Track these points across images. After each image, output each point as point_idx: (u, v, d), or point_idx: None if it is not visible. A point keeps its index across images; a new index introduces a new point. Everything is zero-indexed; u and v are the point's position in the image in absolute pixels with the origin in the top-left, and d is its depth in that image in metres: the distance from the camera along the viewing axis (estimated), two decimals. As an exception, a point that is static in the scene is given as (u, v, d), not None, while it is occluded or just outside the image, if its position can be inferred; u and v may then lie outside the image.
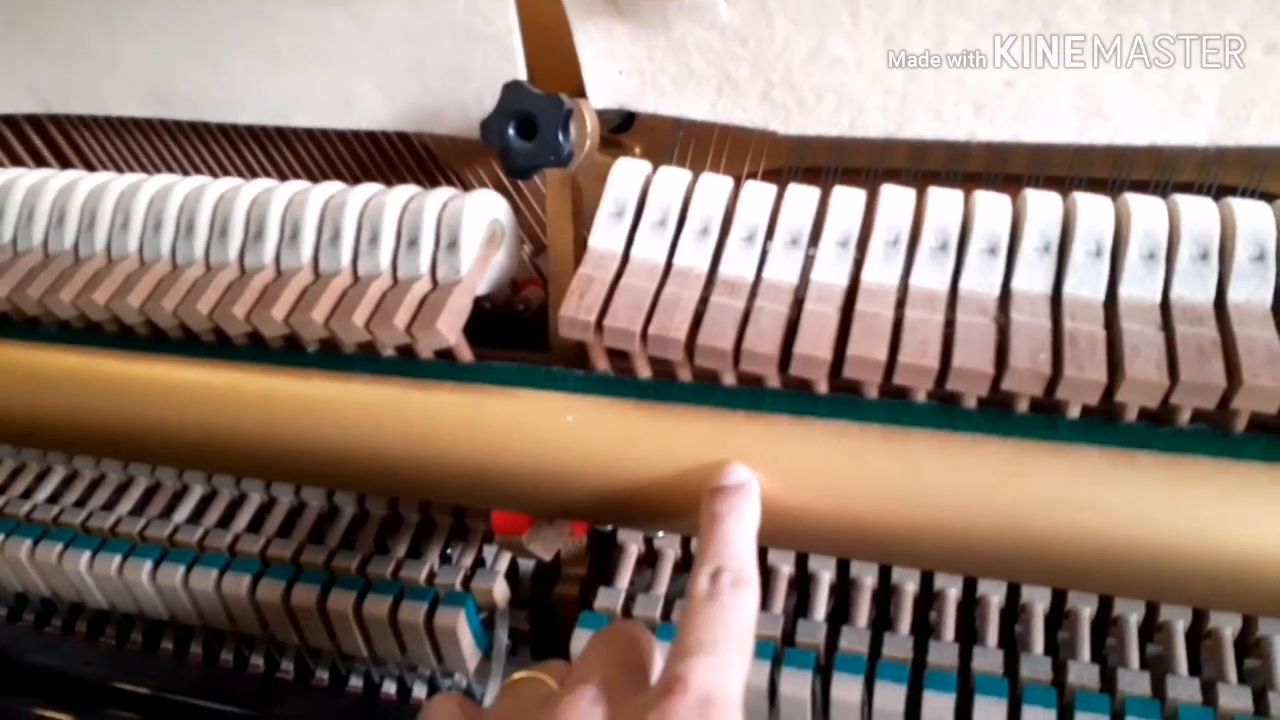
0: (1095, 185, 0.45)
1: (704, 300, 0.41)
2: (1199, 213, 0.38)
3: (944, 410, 0.39)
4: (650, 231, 0.43)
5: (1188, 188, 0.44)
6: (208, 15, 0.51)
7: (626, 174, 0.44)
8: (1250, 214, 0.38)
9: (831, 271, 0.41)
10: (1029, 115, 0.43)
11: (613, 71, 0.47)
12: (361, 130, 0.54)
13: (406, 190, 0.48)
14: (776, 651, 0.46)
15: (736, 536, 0.36)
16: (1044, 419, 0.38)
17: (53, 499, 0.62)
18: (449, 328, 0.43)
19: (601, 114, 0.48)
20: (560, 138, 0.44)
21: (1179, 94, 0.41)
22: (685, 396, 0.42)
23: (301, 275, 0.46)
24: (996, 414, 0.39)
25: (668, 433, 0.41)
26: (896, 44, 0.42)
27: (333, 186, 0.49)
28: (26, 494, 0.62)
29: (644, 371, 0.43)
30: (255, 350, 0.48)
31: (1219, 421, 0.37)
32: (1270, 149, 0.41)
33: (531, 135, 0.44)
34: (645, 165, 0.45)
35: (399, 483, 0.46)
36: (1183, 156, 0.43)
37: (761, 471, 0.39)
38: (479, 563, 0.55)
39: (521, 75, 0.48)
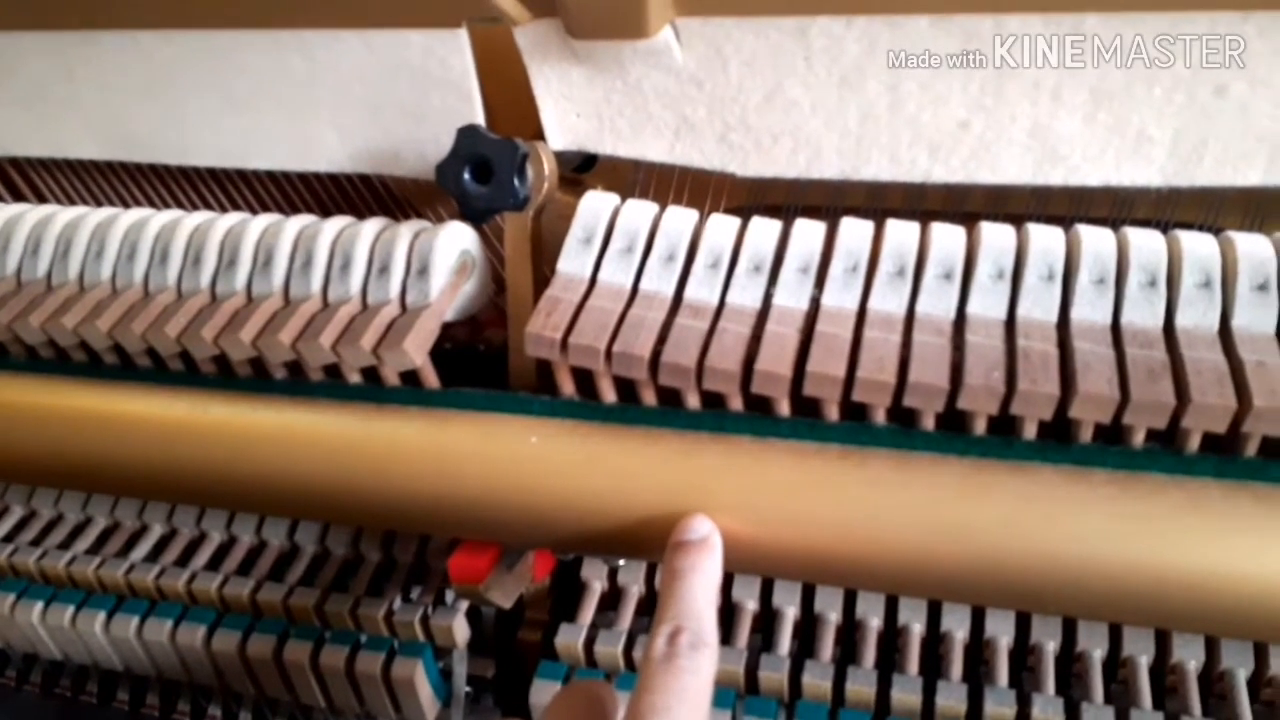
0: (1052, 223, 0.46)
1: (669, 322, 0.42)
2: (1147, 242, 0.40)
3: (903, 431, 0.40)
4: (617, 257, 0.44)
5: (1144, 225, 0.45)
6: (164, 58, 0.52)
7: (596, 204, 0.45)
8: (1196, 243, 0.39)
9: (793, 296, 0.42)
10: (984, 156, 0.44)
11: (570, 114, 0.48)
12: (321, 171, 0.55)
13: (379, 221, 0.48)
14: (739, 694, 0.45)
15: (697, 594, 0.36)
16: (1000, 439, 0.39)
17: (7, 539, 0.60)
18: (416, 348, 0.43)
19: (561, 155, 0.48)
20: (516, 181, 0.44)
21: (1132, 135, 0.42)
22: (650, 420, 0.42)
23: (271, 301, 0.47)
24: (954, 435, 0.39)
25: (631, 454, 0.41)
26: (851, 87, 0.44)
27: (305, 218, 0.49)
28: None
29: (608, 395, 0.43)
30: (221, 378, 0.48)
31: (1171, 440, 0.38)
32: (1223, 189, 0.42)
33: (487, 179, 0.45)
34: (614, 198, 0.46)
35: (362, 509, 0.45)
36: (1139, 195, 0.44)
37: (722, 492, 0.39)
38: (439, 602, 0.54)
39: (479, 118, 0.49)
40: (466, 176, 0.45)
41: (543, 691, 0.48)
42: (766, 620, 0.49)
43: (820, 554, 0.39)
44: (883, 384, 0.37)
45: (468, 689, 0.54)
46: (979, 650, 0.46)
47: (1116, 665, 0.44)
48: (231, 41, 0.50)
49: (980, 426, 0.39)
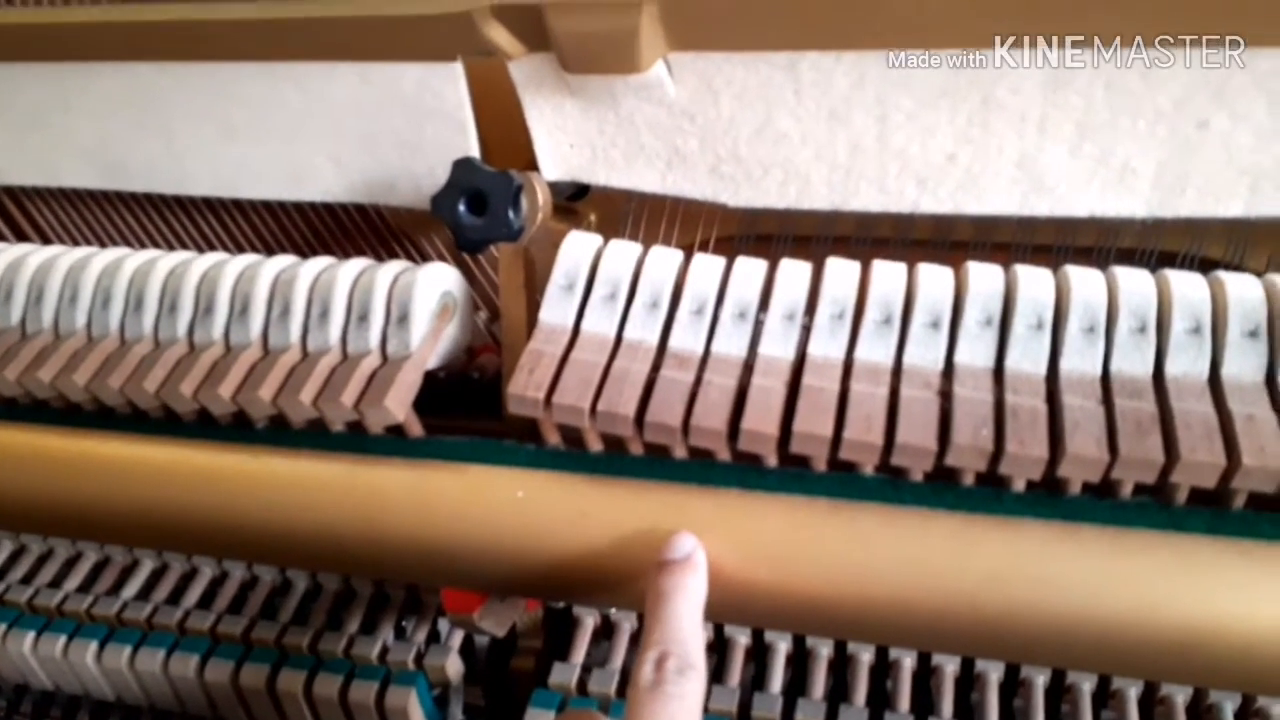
0: (1040, 251, 0.46)
1: (653, 374, 0.41)
2: (1136, 286, 0.39)
3: (891, 484, 0.39)
4: (600, 305, 0.43)
5: (1130, 254, 0.45)
6: (160, 89, 0.52)
7: (577, 248, 0.44)
8: (1186, 286, 0.39)
9: (778, 345, 0.41)
10: (971, 188, 0.44)
11: (564, 145, 0.47)
12: (316, 201, 0.54)
13: (358, 264, 0.47)
14: (731, 724, 0.45)
15: (683, 616, 0.36)
16: (990, 492, 0.38)
17: (-2, 575, 0.60)
18: (397, 404, 0.43)
19: (554, 185, 0.48)
20: (510, 213, 0.44)
21: (1116, 167, 0.42)
22: (637, 470, 0.42)
23: (250, 351, 0.46)
24: (943, 487, 0.39)
25: (619, 508, 0.41)
26: (840, 119, 0.43)
27: (284, 260, 0.49)
28: (-28, 572, 0.61)
29: (595, 445, 0.43)
30: (203, 428, 0.48)
31: (1161, 494, 0.37)
32: (1206, 220, 0.42)
33: (482, 210, 0.44)
34: (596, 239, 0.45)
35: (348, 560, 0.45)
36: (1124, 224, 0.44)
37: (712, 545, 0.39)
38: (433, 637, 0.54)
39: (474, 149, 0.48)
40: (461, 208, 0.44)
41: (536, 720, 0.48)
42: (759, 652, 0.49)
43: (810, 608, 0.39)
44: (870, 445, 0.37)
45: (461, 717, 0.55)
46: (969, 683, 0.46)
47: (1106, 696, 0.45)
48: (227, 73, 0.50)
49: (970, 478, 0.39)
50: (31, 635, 0.57)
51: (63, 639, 0.56)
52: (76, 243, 0.62)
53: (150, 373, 0.46)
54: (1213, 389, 0.37)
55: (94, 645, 0.56)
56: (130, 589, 0.58)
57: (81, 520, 0.49)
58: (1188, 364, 0.38)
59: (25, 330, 0.50)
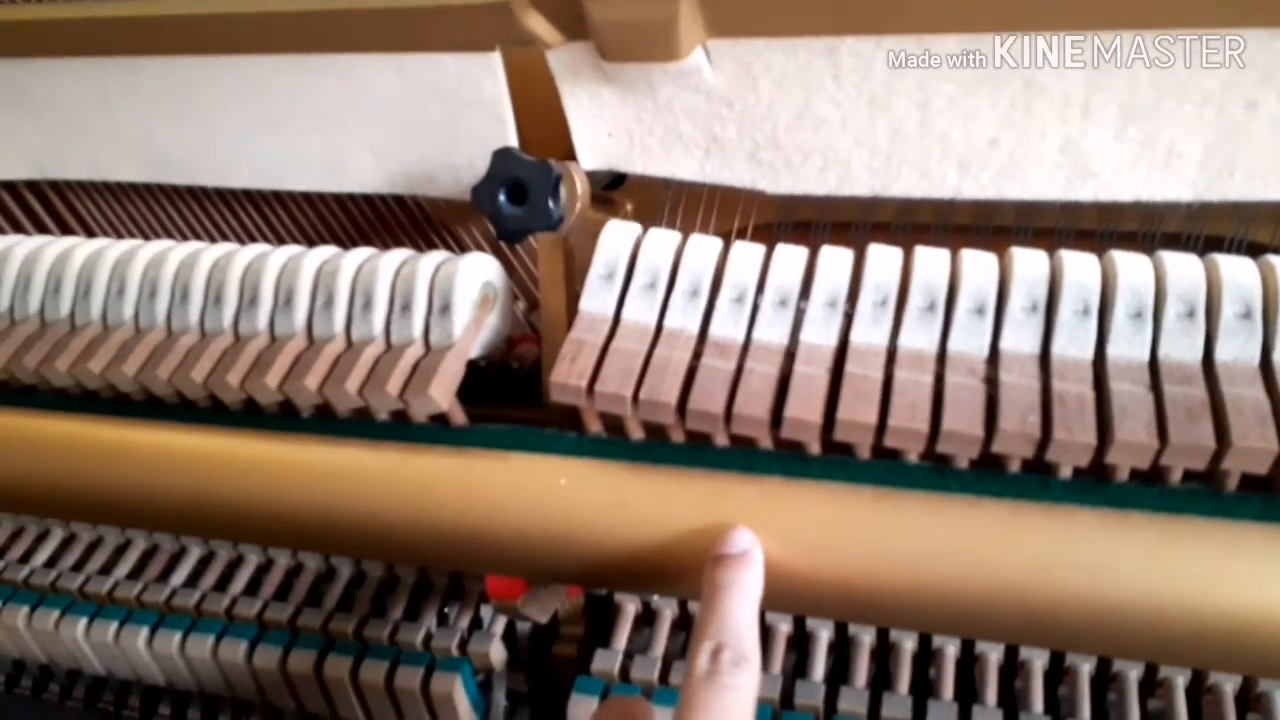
0: (1083, 236, 0.46)
1: (695, 362, 0.41)
2: (1185, 270, 0.38)
3: (936, 471, 0.39)
4: (640, 294, 0.43)
5: (1175, 238, 0.45)
6: (201, 82, 0.52)
7: (616, 237, 0.44)
8: (1235, 271, 0.38)
9: (820, 332, 0.41)
10: (1014, 173, 0.43)
11: (602, 134, 0.48)
12: (355, 193, 0.55)
13: (400, 254, 0.48)
14: (775, 713, 0.45)
15: (738, 610, 0.36)
16: (1036, 479, 0.38)
17: (50, 563, 0.62)
18: (441, 393, 0.43)
19: (592, 174, 0.48)
20: (550, 203, 0.44)
21: (1162, 150, 0.41)
22: (678, 458, 0.42)
23: (295, 341, 0.47)
24: (989, 474, 0.39)
25: (661, 496, 0.41)
26: (880, 105, 0.43)
27: (326, 251, 0.49)
28: (24, 558, 0.62)
29: (636, 433, 0.43)
30: (250, 416, 0.48)
31: (1211, 480, 0.37)
32: (1255, 203, 0.41)
33: (522, 200, 0.45)
34: (635, 227, 0.45)
35: (393, 548, 0.46)
36: (1169, 209, 0.44)
37: (755, 534, 0.39)
38: (476, 623, 0.54)
39: (513, 139, 0.48)
40: (502, 198, 0.45)
41: (580, 706, 0.49)
42: (801, 640, 0.49)
43: (854, 596, 0.39)
44: (915, 432, 0.37)
45: (504, 703, 0.55)
46: (1013, 671, 0.46)
47: (1152, 686, 0.45)
48: (266, 65, 0.50)
49: (1016, 465, 0.39)
50: (84, 621, 0.58)
51: (114, 625, 0.58)
52: (120, 235, 0.63)
53: (197, 363, 0.46)
54: (1264, 374, 0.37)
55: (145, 631, 0.57)
56: (179, 576, 0.59)
57: (131, 508, 0.50)
58: (1238, 349, 0.37)
59: (74, 322, 0.51)
